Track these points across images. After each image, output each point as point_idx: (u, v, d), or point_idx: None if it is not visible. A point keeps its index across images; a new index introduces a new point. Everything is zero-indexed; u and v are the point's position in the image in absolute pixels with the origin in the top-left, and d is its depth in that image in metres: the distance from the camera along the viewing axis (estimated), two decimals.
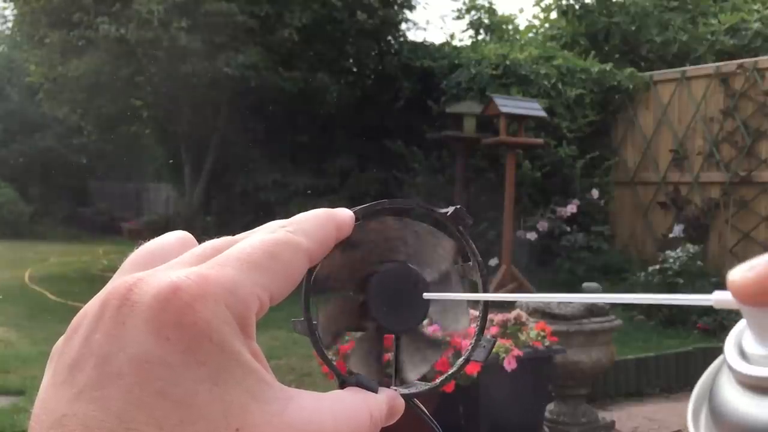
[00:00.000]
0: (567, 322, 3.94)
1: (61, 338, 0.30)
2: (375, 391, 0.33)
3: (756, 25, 10.50)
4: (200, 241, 0.34)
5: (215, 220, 10.53)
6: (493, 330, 3.57)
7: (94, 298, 0.30)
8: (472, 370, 3.30)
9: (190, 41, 8.78)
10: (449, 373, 0.37)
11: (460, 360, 0.37)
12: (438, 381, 0.36)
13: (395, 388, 0.35)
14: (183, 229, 0.35)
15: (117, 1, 8.98)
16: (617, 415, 4.48)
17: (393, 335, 0.36)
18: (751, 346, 0.24)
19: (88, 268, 10.24)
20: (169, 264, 0.31)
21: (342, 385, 0.33)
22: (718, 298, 0.25)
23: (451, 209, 0.37)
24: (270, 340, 5.25)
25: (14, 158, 17.55)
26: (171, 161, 11.94)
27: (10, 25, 18.27)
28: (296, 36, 9.15)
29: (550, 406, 4.07)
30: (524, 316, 3.72)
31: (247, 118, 10.37)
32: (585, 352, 3.92)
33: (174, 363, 0.27)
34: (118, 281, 0.30)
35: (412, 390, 0.35)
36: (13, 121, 17.27)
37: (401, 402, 0.34)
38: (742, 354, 0.25)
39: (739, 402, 0.24)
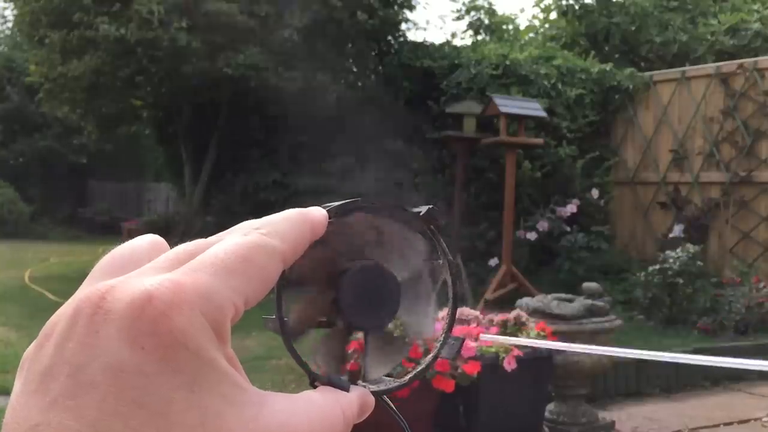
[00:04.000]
0: (567, 322, 3.94)
1: (32, 345, 0.30)
2: (347, 390, 0.33)
3: (756, 25, 10.50)
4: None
5: (215, 220, 10.52)
6: (494, 330, 3.58)
7: (65, 305, 0.30)
8: (473, 370, 3.30)
9: (190, 41, 8.77)
10: (418, 369, 0.37)
11: (429, 357, 0.37)
12: (407, 378, 0.37)
13: (365, 384, 0.35)
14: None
15: (117, 1, 8.98)
16: (617, 415, 4.48)
17: (362, 332, 0.36)
18: None
19: (88, 268, 10.01)
20: (142, 270, 0.30)
21: (313, 383, 0.33)
22: None
23: (423, 209, 0.37)
24: (269, 340, 5.25)
25: (14, 158, 17.55)
26: (171, 161, 11.94)
27: (10, 25, 18.28)
28: (296, 36, 9.15)
29: (550, 406, 4.07)
30: (524, 316, 3.72)
31: (247, 118, 10.36)
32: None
33: (149, 372, 0.27)
34: (89, 288, 0.29)
35: (382, 387, 0.35)
36: (13, 121, 17.26)
37: (371, 399, 0.34)
38: None
39: None
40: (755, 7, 11.08)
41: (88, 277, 0.33)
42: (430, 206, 0.37)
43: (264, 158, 10.12)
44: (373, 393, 0.35)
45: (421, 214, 0.37)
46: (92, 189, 19.52)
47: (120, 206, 18.24)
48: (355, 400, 0.33)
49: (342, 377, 0.34)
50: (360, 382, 0.35)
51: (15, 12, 11.26)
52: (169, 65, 9.11)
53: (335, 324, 0.36)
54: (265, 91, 9.46)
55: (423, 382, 3.16)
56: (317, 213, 0.34)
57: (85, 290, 0.30)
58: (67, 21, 9.16)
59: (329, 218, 0.34)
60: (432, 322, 0.38)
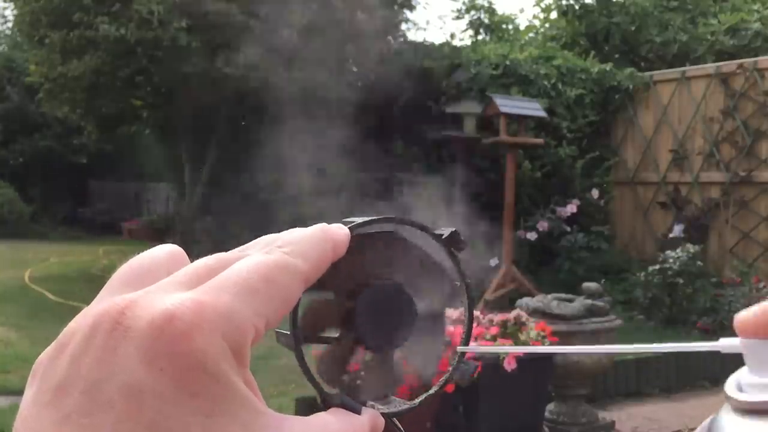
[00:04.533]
0: (567, 322, 3.94)
1: (46, 354, 0.30)
2: (359, 413, 0.33)
3: (756, 25, 10.50)
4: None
5: (215, 220, 10.53)
6: (493, 330, 3.58)
7: (83, 315, 0.29)
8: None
9: (190, 41, 8.77)
10: (429, 393, 0.37)
11: (441, 380, 0.37)
12: (417, 401, 0.36)
13: (374, 404, 0.35)
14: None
15: (117, 1, 8.98)
16: (617, 415, 4.48)
17: (368, 350, 0.36)
18: (746, 377, 0.29)
19: (88, 268, 10.24)
20: (161, 285, 0.30)
21: (325, 404, 0.33)
22: (724, 345, 0.29)
23: (446, 231, 0.37)
24: (269, 340, 5.22)
25: (14, 158, 17.55)
26: (171, 161, 11.94)
27: (10, 25, 18.28)
28: (296, 36, 9.15)
29: (550, 406, 4.07)
30: (524, 316, 3.72)
31: (247, 118, 10.37)
32: None
33: (166, 394, 0.27)
34: (108, 301, 0.29)
35: (393, 409, 0.35)
36: (13, 121, 17.26)
37: (382, 422, 0.34)
38: (739, 387, 0.29)
39: (737, 427, 0.28)
40: (755, 7, 11.08)
41: (106, 287, 0.32)
42: (453, 230, 0.37)
43: (264, 158, 10.12)
44: (384, 415, 0.34)
45: (443, 237, 0.37)
46: (92, 189, 19.51)
47: (120, 206, 18.22)
48: (366, 423, 0.33)
49: (355, 401, 0.33)
50: (370, 403, 0.35)
51: (15, 12, 11.25)
52: (169, 65, 9.11)
53: (345, 337, 0.35)
54: (265, 91, 9.47)
55: (422, 383, 3.15)
56: (340, 232, 0.33)
57: (104, 303, 0.29)
58: (67, 21, 9.16)
59: (351, 236, 0.34)
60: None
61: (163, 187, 16.57)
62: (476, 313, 3.97)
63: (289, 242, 0.32)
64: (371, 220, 0.35)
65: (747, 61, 8.35)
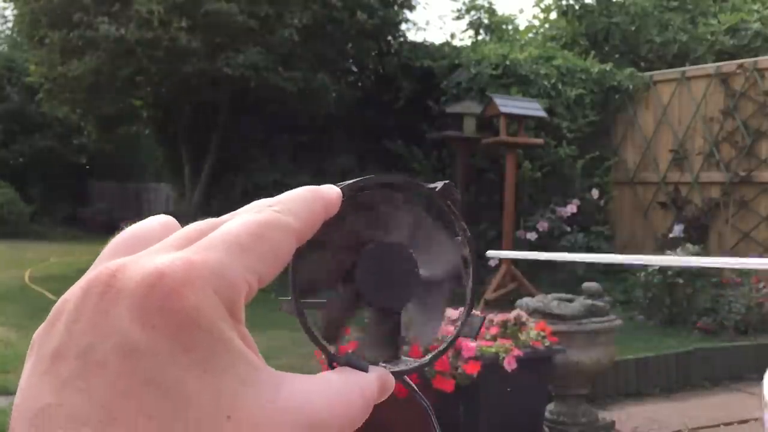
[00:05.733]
0: (567, 322, 3.94)
1: (42, 326, 0.30)
2: (365, 370, 0.32)
3: (756, 25, 10.51)
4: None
5: None
6: (493, 330, 3.58)
7: (75, 284, 0.29)
8: (473, 370, 3.30)
9: (190, 41, 8.77)
10: (438, 350, 0.36)
11: (449, 337, 0.37)
12: (427, 358, 0.36)
13: (384, 365, 0.34)
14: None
15: (117, 1, 8.98)
16: (617, 415, 4.48)
17: (370, 308, 0.35)
18: None
19: (88, 268, 10.19)
20: (153, 249, 0.30)
21: (331, 365, 0.33)
22: None
23: (439, 184, 0.36)
24: (269, 340, 5.25)
25: (14, 158, 17.55)
26: (171, 161, 11.93)
27: (10, 25, 18.28)
28: (296, 36, 9.15)
29: (550, 406, 4.07)
30: (524, 316, 3.72)
31: (247, 118, 10.36)
32: (585, 352, 3.92)
33: (161, 351, 0.26)
34: (99, 268, 0.29)
35: (402, 367, 0.35)
36: (13, 121, 17.26)
37: (391, 379, 0.33)
38: None
39: None
40: (755, 7, 11.08)
41: (98, 258, 0.32)
42: (446, 181, 0.36)
43: (264, 158, 10.12)
44: (393, 373, 0.34)
45: (437, 189, 0.36)
46: (92, 189, 19.51)
47: (120, 206, 18.22)
48: (374, 381, 0.32)
49: (360, 358, 0.33)
50: (381, 363, 0.34)
51: (15, 12, 11.26)
52: (169, 65, 9.11)
53: (346, 293, 0.35)
54: (265, 91, 9.47)
55: (423, 382, 3.16)
56: (330, 191, 0.33)
57: (95, 269, 0.29)
58: (67, 21, 9.16)
59: (343, 196, 0.34)
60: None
61: (163, 187, 16.58)
62: (476, 313, 3.96)
63: (279, 201, 0.32)
64: (362, 179, 0.35)
65: (747, 61, 8.35)
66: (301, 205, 0.32)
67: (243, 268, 0.29)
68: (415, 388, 0.36)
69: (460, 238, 0.37)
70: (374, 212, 0.35)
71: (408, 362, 0.35)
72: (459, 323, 0.37)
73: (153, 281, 0.27)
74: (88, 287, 0.28)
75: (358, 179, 0.35)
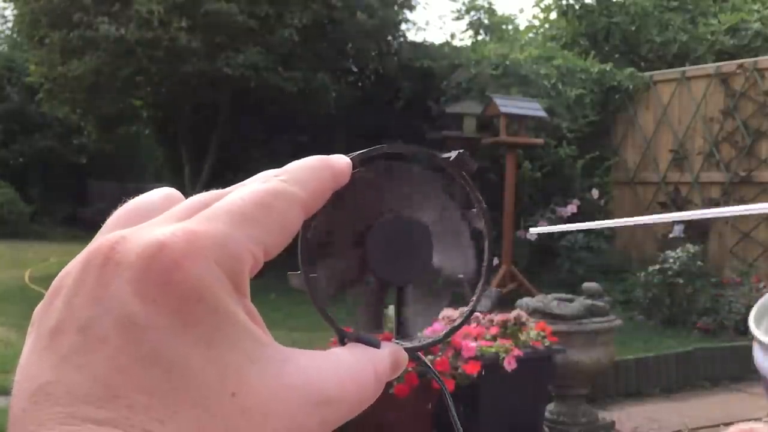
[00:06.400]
0: (567, 322, 3.94)
1: (42, 302, 0.29)
2: (377, 347, 0.31)
3: (756, 25, 10.50)
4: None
5: None
6: (493, 330, 3.58)
7: (75, 258, 0.29)
8: (473, 370, 3.30)
9: (190, 41, 8.77)
10: (454, 325, 0.35)
11: (465, 310, 0.36)
12: (442, 333, 0.35)
13: (397, 341, 0.33)
14: None
15: (117, 1, 8.98)
16: (617, 415, 4.48)
17: (396, 287, 0.34)
18: None
19: None
20: (154, 220, 0.29)
21: (342, 342, 0.32)
22: None
23: (453, 154, 0.35)
24: (272, 332, 5.25)
25: (14, 158, 17.54)
26: (171, 161, 11.94)
27: (10, 25, 18.27)
28: (296, 36, 9.14)
29: (550, 406, 4.07)
30: (524, 316, 3.72)
31: (247, 118, 10.36)
32: (585, 352, 3.92)
33: (162, 325, 0.25)
34: (100, 240, 0.28)
35: (415, 343, 0.34)
36: (13, 121, 17.26)
37: (404, 356, 0.33)
38: None
39: None
40: (755, 7, 11.08)
41: (100, 231, 0.31)
42: (461, 150, 0.35)
43: (264, 158, 10.12)
44: (407, 350, 0.33)
45: (451, 159, 0.35)
46: (92, 189, 19.51)
47: (120, 206, 18.23)
48: (386, 357, 0.31)
49: (372, 335, 0.32)
50: (393, 339, 0.33)
51: (15, 12, 11.25)
52: (169, 65, 9.11)
53: (369, 283, 0.34)
54: (265, 91, 9.46)
55: (422, 382, 3.15)
56: (340, 160, 0.32)
57: (96, 242, 0.28)
58: (67, 21, 9.16)
59: (353, 166, 0.32)
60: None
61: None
62: (476, 313, 3.97)
63: (286, 171, 0.31)
64: (373, 148, 0.34)
65: (747, 61, 8.35)
66: (309, 174, 0.31)
67: (247, 238, 0.28)
68: (429, 364, 0.35)
69: (475, 209, 0.36)
70: (405, 186, 0.34)
71: (421, 338, 0.34)
72: (475, 297, 0.36)
73: (153, 252, 0.26)
74: (88, 260, 0.28)
75: (369, 149, 0.34)
